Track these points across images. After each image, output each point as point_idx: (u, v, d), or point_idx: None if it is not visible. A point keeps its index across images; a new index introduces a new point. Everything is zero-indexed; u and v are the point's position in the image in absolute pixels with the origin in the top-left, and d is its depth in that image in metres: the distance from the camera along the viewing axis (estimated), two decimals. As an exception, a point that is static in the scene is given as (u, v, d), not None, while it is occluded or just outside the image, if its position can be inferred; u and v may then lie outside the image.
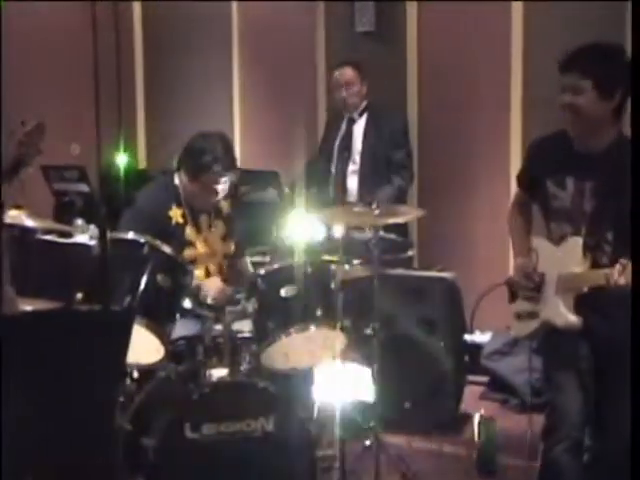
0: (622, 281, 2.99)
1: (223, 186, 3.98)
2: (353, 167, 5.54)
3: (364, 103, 5.54)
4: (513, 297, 3.46)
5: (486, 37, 5.72)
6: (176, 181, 4.02)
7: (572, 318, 3.19)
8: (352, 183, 5.51)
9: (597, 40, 3.22)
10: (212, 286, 3.89)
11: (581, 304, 3.20)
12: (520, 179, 3.54)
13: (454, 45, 5.83)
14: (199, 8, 6.66)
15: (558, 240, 3.29)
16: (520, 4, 5.59)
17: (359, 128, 5.54)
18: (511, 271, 3.45)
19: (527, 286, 3.34)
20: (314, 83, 6.34)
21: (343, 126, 5.58)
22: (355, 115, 5.54)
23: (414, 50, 5.95)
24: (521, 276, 3.36)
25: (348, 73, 5.58)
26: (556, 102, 3.20)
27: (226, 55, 6.67)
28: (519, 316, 3.43)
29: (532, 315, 3.35)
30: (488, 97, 5.76)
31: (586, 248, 3.19)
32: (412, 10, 5.91)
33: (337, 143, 5.57)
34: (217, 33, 6.70)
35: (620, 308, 3.07)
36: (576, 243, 3.20)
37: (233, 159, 4.04)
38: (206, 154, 3.92)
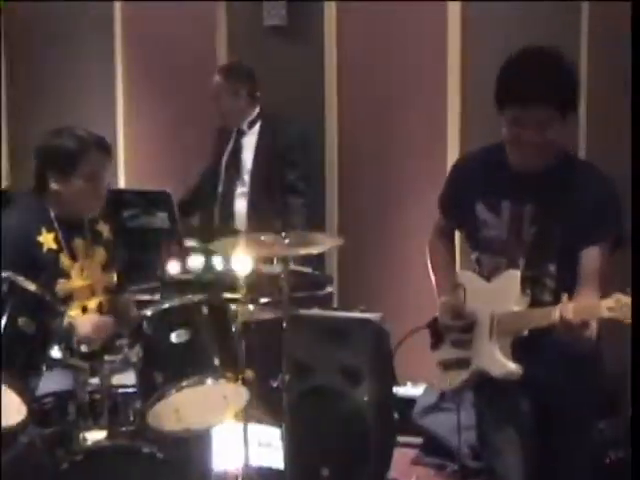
0: (568, 321, 2.93)
1: (105, 176, 3.96)
2: (242, 189, 5.54)
3: (254, 112, 5.53)
4: (437, 343, 3.45)
5: (420, 39, 5.81)
6: (42, 201, 3.96)
7: (511, 366, 3.17)
8: (240, 207, 5.51)
9: (531, 49, 3.19)
10: (87, 322, 3.82)
11: (521, 349, 3.17)
12: (442, 203, 3.53)
13: (383, 46, 5.91)
14: (73, 8, 6.66)
15: (489, 274, 3.30)
16: (457, 4, 5.70)
17: (249, 142, 5.55)
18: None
19: (456, 327, 3.32)
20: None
21: (232, 139, 5.57)
22: (244, 127, 5.54)
23: (333, 50, 6.00)
24: (448, 316, 3.34)
25: (215, 82, 5.58)
26: (507, 137, 3.17)
27: (107, 61, 6.68)
28: (445, 365, 3.41)
29: (461, 363, 3.32)
30: (421, 104, 5.83)
31: (525, 283, 3.18)
32: (330, 10, 5.97)
33: (225, 159, 5.57)
34: (97, 36, 6.72)
35: (567, 354, 3.11)
36: (513, 277, 3.20)
37: (103, 139, 4.01)
38: (71, 143, 3.90)
